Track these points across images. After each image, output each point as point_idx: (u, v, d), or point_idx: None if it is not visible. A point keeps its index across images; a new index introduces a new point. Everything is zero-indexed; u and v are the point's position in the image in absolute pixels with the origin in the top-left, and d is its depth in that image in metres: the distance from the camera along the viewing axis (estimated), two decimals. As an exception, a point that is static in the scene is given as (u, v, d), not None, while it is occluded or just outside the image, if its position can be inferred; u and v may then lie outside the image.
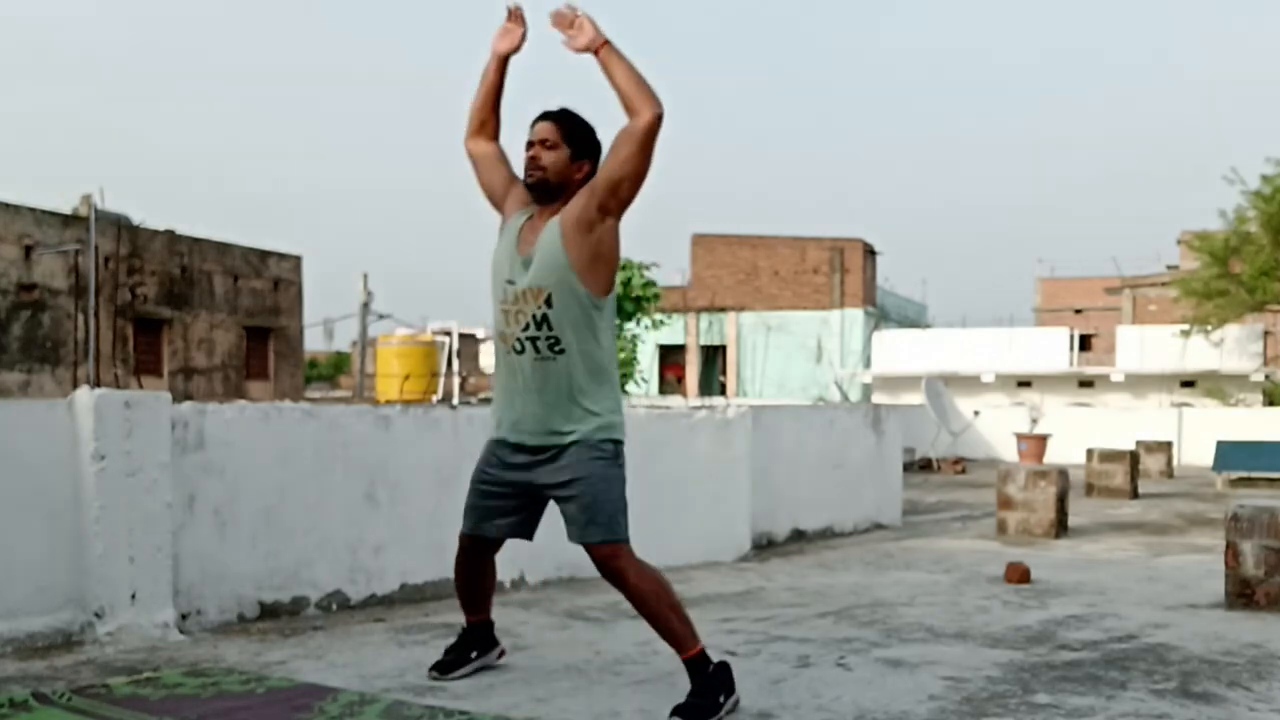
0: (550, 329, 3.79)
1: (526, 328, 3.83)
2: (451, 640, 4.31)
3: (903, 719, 3.66)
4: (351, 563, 5.64)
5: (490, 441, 4.01)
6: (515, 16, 4.04)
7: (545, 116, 3.90)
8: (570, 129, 3.88)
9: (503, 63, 4.08)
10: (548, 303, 3.79)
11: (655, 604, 3.78)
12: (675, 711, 3.63)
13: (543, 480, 3.85)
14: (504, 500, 3.96)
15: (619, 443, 3.88)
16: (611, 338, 3.94)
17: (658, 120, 3.68)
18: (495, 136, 4.14)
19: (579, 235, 3.77)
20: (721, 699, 3.71)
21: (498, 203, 4.08)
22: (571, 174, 3.87)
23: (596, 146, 3.93)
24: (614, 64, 3.72)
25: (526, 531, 4.05)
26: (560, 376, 3.80)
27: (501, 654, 4.34)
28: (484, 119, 4.11)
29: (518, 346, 3.85)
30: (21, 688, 3.91)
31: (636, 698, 3.88)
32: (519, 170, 4.00)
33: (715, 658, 4.28)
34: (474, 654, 4.21)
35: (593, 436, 3.81)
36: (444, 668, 4.14)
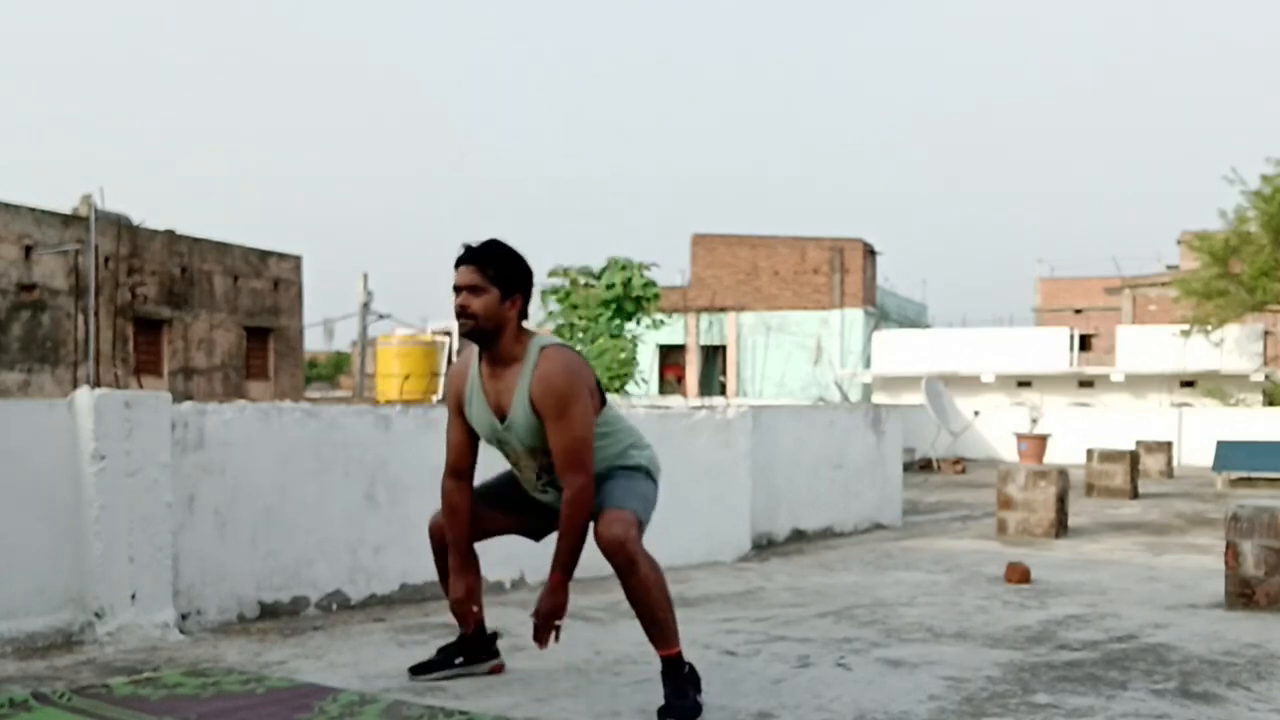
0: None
1: (539, 475, 3.90)
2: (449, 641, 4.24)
3: (903, 719, 3.66)
4: (351, 563, 5.65)
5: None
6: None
7: (467, 258, 3.78)
8: (495, 269, 3.75)
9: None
10: (546, 454, 3.80)
11: (658, 593, 3.65)
12: (663, 712, 3.59)
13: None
14: (521, 503, 4.03)
15: (643, 467, 3.91)
16: (616, 429, 3.91)
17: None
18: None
19: (545, 411, 3.74)
20: (700, 699, 3.71)
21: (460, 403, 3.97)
22: (504, 313, 3.77)
23: (526, 276, 3.83)
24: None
25: (524, 528, 4.13)
26: None
27: (496, 670, 4.17)
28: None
29: (537, 488, 3.93)
30: (21, 688, 3.91)
31: (636, 698, 3.87)
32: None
33: (715, 658, 4.29)
34: (459, 660, 4.11)
35: (615, 462, 3.86)
36: (420, 668, 4.10)
